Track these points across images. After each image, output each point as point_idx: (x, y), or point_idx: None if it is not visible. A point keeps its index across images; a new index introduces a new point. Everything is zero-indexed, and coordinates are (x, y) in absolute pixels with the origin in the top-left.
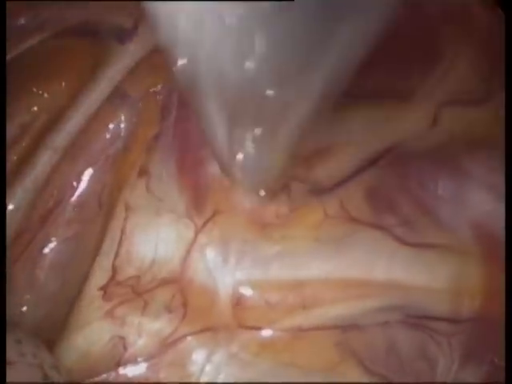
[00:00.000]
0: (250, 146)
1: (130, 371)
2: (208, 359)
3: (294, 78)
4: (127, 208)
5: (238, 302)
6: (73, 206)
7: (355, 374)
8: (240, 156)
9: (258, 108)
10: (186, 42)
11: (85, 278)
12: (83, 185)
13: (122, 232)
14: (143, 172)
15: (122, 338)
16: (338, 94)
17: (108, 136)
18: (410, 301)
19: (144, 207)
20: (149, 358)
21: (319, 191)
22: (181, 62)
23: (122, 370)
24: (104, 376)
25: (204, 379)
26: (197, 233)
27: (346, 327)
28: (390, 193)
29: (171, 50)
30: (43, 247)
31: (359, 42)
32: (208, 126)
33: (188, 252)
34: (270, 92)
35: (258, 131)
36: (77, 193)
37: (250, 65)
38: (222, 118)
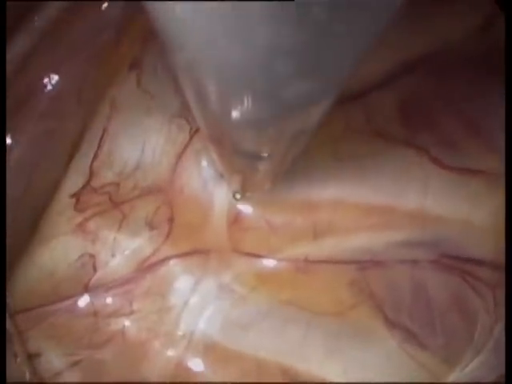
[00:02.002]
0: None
1: (98, 298)
2: (194, 289)
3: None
4: (112, 105)
5: (234, 220)
6: (48, 98)
7: (371, 322)
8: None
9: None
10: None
11: (57, 183)
12: (62, 76)
13: (105, 131)
14: (135, 65)
15: (93, 257)
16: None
17: (98, 21)
18: (446, 236)
19: (132, 105)
20: (122, 283)
21: (341, 98)
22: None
23: (88, 296)
24: (67, 303)
25: (186, 314)
26: (192, 136)
27: (364, 263)
28: (427, 106)
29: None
30: (9, 144)
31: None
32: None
33: (179, 157)
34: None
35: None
36: (54, 84)
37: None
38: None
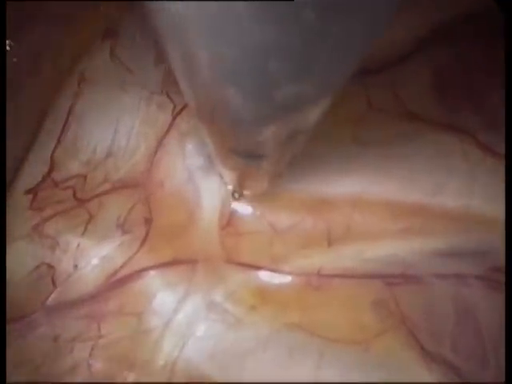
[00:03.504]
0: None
1: (59, 319)
2: (177, 308)
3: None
4: (81, 80)
5: (228, 222)
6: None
7: (402, 353)
8: None
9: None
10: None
11: (12, 176)
12: (20, 44)
13: (70, 111)
14: (110, 33)
15: (52, 268)
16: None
17: None
18: (497, 244)
19: (104, 79)
20: (87, 300)
21: (362, 71)
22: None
23: (46, 317)
24: (21, 324)
25: (168, 339)
26: (175, 116)
27: (393, 277)
28: (468, 79)
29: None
30: None
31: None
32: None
33: (160, 142)
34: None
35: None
36: (8, 52)
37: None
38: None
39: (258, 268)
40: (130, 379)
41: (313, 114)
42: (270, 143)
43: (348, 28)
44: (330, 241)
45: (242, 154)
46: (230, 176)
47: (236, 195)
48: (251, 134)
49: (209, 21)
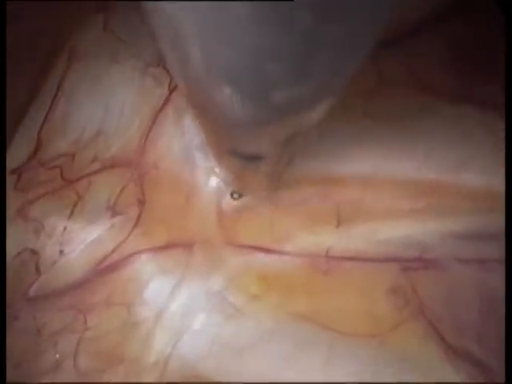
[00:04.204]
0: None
1: (42, 310)
2: (171, 296)
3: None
4: (72, 54)
5: (228, 201)
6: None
7: (421, 347)
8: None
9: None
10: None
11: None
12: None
13: (59, 87)
14: (104, 5)
15: (36, 253)
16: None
17: None
18: None
19: (96, 52)
20: (73, 289)
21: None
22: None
23: (29, 307)
24: (11, 313)
25: (161, 332)
26: (172, 90)
27: (410, 261)
28: (489, 48)
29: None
30: None
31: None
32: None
33: (154, 119)
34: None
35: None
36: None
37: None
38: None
39: (260, 249)
40: (119, 378)
41: (310, 118)
42: (268, 145)
43: (345, 31)
44: (340, 219)
45: (240, 155)
46: (228, 178)
47: (235, 195)
48: (248, 135)
49: (204, 21)
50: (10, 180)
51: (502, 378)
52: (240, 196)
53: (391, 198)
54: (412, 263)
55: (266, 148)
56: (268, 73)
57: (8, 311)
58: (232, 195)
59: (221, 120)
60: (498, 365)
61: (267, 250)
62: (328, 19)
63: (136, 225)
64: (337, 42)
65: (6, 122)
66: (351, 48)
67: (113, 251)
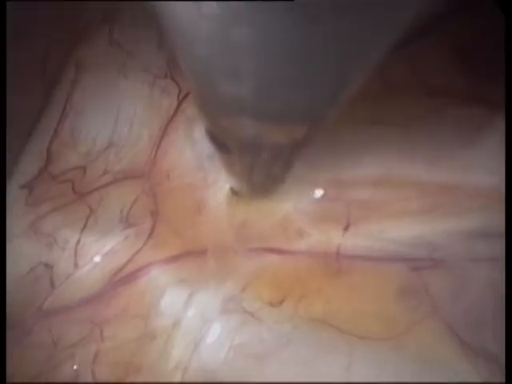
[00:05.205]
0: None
1: (58, 323)
2: (188, 304)
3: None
4: (78, 66)
5: (239, 206)
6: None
7: (439, 347)
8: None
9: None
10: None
11: (10, 170)
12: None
13: (68, 100)
14: (109, 16)
15: (50, 267)
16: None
17: None
18: None
19: (103, 65)
20: (89, 301)
21: None
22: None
23: (44, 321)
24: (17, 330)
25: (178, 340)
26: (181, 100)
27: (420, 261)
28: (493, 52)
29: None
30: None
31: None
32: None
33: (165, 130)
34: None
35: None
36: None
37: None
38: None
39: (272, 251)
40: None
41: (316, 128)
42: (270, 147)
43: (348, 40)
44: (349, 218)
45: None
46: (238, 184)
47: (245, 200)
48: (253, 132)
49: (208, 22)
50: (20, 195)
51: None
52: (249, 200)
53: (401, 198)
54: (422, 262)
55: (268, 151)
56: (271, 76)
57: (21, 326)
58: (242, 200)
59: (227, 112)
60: None
61: (280, 251)
62: (334, 26)
63: (150, 236)
64: (341, 50)
65: (5, 130)
66: (354, 60)
67: (127, 263)
